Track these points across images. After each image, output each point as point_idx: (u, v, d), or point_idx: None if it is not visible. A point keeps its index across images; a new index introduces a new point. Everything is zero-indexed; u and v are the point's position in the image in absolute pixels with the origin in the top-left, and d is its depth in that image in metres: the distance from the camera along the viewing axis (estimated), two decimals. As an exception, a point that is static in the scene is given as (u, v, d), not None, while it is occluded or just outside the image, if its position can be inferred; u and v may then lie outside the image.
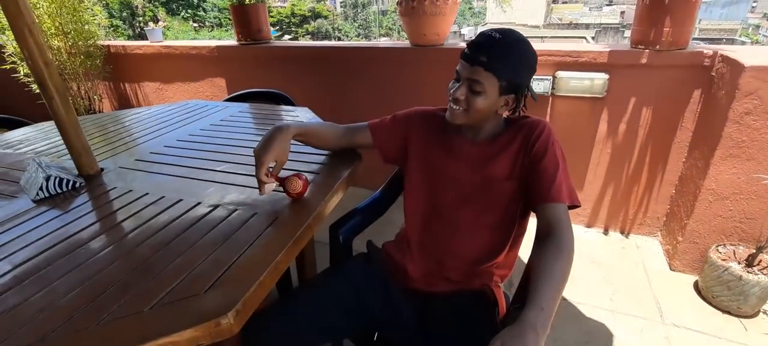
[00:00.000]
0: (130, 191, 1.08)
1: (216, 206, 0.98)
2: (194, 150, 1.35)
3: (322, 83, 2.53)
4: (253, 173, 0.98)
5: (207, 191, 1.05)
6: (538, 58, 0.99)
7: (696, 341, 1.56)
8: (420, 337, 1.02)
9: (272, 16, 25.10)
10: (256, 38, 2.65)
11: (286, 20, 26.53)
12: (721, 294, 1.65)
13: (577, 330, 1.62)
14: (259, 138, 1.03)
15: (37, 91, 1.11)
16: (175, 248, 0.83)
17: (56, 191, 1.08)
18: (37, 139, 1.53)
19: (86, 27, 2.97)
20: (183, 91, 2.98)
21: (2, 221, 0.97)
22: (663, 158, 1.95)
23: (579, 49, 1.89)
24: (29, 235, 0.91)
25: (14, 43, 2.82)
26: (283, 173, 1.02)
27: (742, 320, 1.63)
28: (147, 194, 1.05)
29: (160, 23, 3.19)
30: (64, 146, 1.15)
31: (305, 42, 2.87)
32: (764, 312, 1.66)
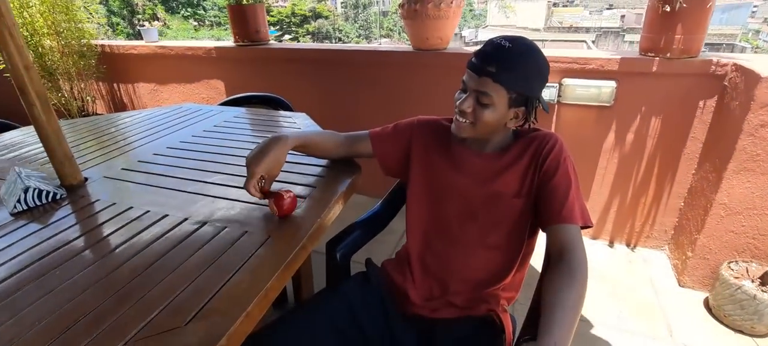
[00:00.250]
0: (114, 204, 1.01)
1: (204, 223, 0.91)
2: (185, 159, 1.28)
3: (321, 86, 2.46)
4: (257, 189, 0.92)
5: (195, 205, 0.99)
6: (545, 65, 0.93)
7: (708, 363, 1.50)
8: (421, 368, 0.95)
9: (272, 16, 25.05)
10: (253, 39, 2.59)
11: (287, 20, 26.47)
12: (733, 313, 1.58)
13: (584, 349, 1.56)
14: (254, 146, 0.97)
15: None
16: (156, 272, 0.76)
17: (35, 203, 1.01)
18: (23, 144, 1.46)
19: (80, 26, 2.90)
20: (178, 93, 2.92)
21: (-26, 236, 0.90)
22: (672, 169, 1.89)
23: (586, 56, 1.82)
24: (3, 253, 0.84)
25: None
26: (274, 186, 0.96)
27: (756, 339, 1.57)
28: (131, 207, 0.99)
29: (155, 23, 3.12)
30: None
31: (304, 44, 2.80)
32: (778, 332, 1.59)
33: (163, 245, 0.84)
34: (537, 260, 1.08)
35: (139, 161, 1.27)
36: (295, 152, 1.03)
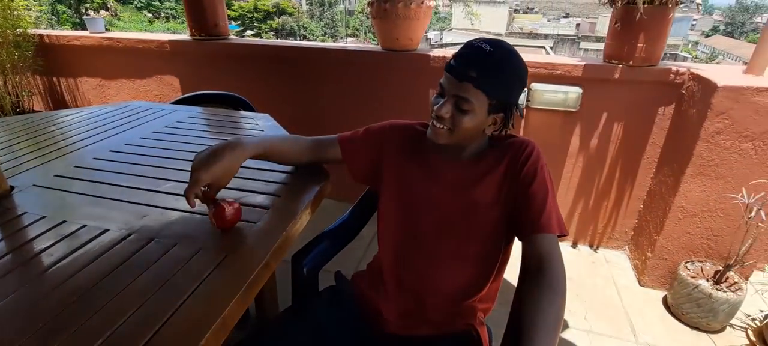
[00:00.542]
0: (44, 217, 0.88)
1: (151, 239, 0.80)
2: (130, 164, 1.15)
3: (284, 86, 2.35)
4: (199, 196, 0.82)
5: (142, 218, 0.87)
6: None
7: (669, 362, 1.55)
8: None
9: (233, 11, 24.21)
10: (212, 33, 2.43)
11: (249, 15, 25.70)
12: (690, 311, 1.65)
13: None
14: (205, 148, 0.87)
15: None
16: (94, 298, 0.66)
17: (-57, 217, 0.86)
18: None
19: (16, 13, 2.62)
20: (127, 90, 2.70)
21: None
22: (632, 173, 1.95)
23: (554, 62, 1.84)
24: None
25: None
26: (220, 193, 0.85)
27: (711, 335, 1.64)
28: (64, 221, 0.86)
29: (104, 13, 2.87)
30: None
31: (268, 40, 2.67)
32: (730, 326, 1.67)
33: (102, 267, 0.73)
34: (510, 268, 1.06)
35: (76, 167, 1.12)
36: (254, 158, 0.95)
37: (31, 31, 2.71)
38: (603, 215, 2.08)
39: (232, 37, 2.54)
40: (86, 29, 2.76)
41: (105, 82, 2.74)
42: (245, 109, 1.76)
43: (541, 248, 0.86)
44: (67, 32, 2.78)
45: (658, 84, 1.76)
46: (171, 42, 2.46)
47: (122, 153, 1.22)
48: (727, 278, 1.63)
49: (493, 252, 0.97)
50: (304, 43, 2.53)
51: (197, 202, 0.82)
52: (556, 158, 2.02)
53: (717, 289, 1.59)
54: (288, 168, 1.10)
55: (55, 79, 2.86)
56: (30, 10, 2.77)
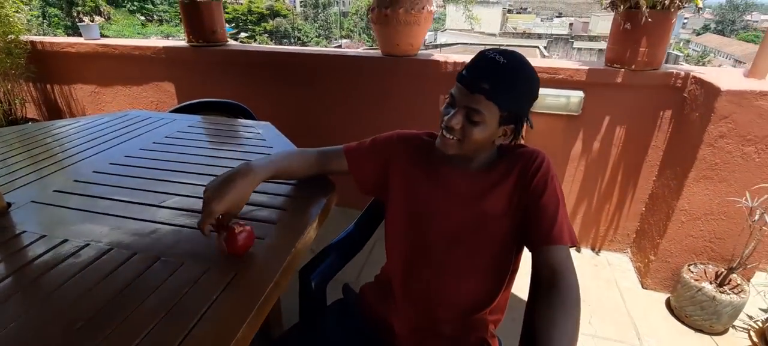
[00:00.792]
0: (44, 236, 0.85)
1: (157, 259, 0.78)
2: (132, 178, 1.12)
3: (284, 92, 2.33)
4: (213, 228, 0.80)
5: (146, 236, 0.85)
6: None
7: (675, 366, 1.54)
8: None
9: (228, 13, 24.13)
10: (209, 40, 2.41)
11: (243, 18, 25.61)
12: (694, 313, 1.65)
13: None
14: (215, 162, 0.85)
15: None
16: (101, 324, 0.63)
17: (-60, 237, 0.84)
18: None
19: (7, 19, 2.57)
20: (123, 97, 2.66)
21: None
22: (634, 176, 1.95)
23: (557, 66, 1.84)
24: None
25: None
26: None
27: (714, 338, 1.64)
28: (66, 240, 0.83)
29: (98, 18, 2.83)
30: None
31: (266, 46, 2.65)
32: (733, 328, 1.67)
33: (107, 289, 0.71)
34: (518, 277, 1.05)
35: (75, 181, 1.10)
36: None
37: (23, 37, 2.66)
38: (605, 217, 2.08)
39: (230, 43, 2.51)
40: (79, 34, 2.73)
41: (100, 90, 2.70)
42: (245, 117, 1.74)
43: (553, 260, 0.85)
44: (60, 39, 2.74)
45: (660, 88, 1.76)
46: (168, 48, 2.43)
47: (123, 166, 1.20)
48: (730, 280, 1.63)
49: (504, 263, 0.96)
50: (304, 48, 2.51)
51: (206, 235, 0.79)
52: (558, 162, 2.01)
53: (720, 292, 1.59)
54: (293, 181, 1.08)
55: (49, 86, 2.82)
56: (19, 13, 2.72)
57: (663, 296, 1.85)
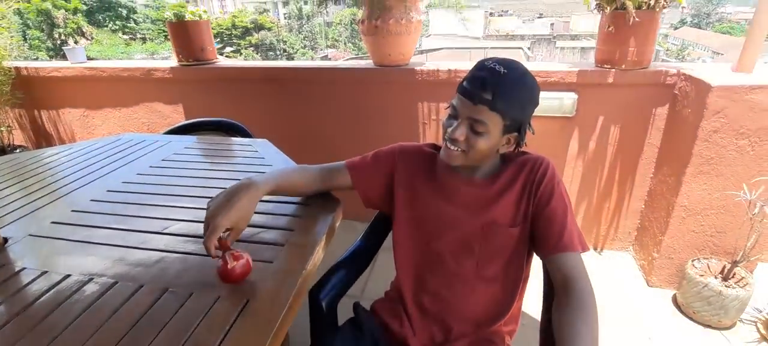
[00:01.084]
0: (46, 272, 0.82)
1: (165, 290, 0.76)
2: (131, 205, 1.10)
3: (278, 107, 2.31)
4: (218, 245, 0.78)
5: (152, 267, 0.83)
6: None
7: (685, 362, 1.55)
8: None
9: (211, 29, 24.00)
10: (199, 58, 2.38)
11: (227, 32, 25.53)
12: (702, 309, 1.66)
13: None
14: (216, 183, 0.83)
15: None
16: (109, 365, 0.61)
17: (-66, 279, 0.80)
18: None
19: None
20: (114, 120, 2.62)
21: None
22: (631, 174, 1.97)
23: (548, 69, 1.86)
24: None
25: None
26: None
27: (723, 332, 1.65)
28: (68, 275, 0.81)
29: (82, 40, 2.79)
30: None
31: (257, 62, 2.64)
32: (741, 321, 1.69)
33: (118, 326, 0.68)
34: (530, 284, 1.04)
35: (73, 211, 1.07)
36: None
37: (6, 63, 2.61)
38: (605, 217, 2.09)
39: (219, 59, 2.49)
40: (63, 56, 2.68)
41: (90, 113, 2.65)
42: (241, 135, 1.72)
43: (565, 267, 0.85)
44: (46, 63, 2.69)
45: (650, 86, 1.78)
46: (157, 69, 2.40)
47: (121, 192, 1.17)
48: (734, 273, 1.64)
49: (515, 272, 0.96)
50: (297, 63, 2.51)
51: (212, 255, 0.77)
52: (555, 164, 2.02)
53: (726, 286, 1.60)
54: (297, 199, 1.07)
55: (36, 111, 2.76)
56: (2, 37, 2.66)
57: (669, 293, 1.86)
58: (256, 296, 0.74)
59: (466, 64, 2.07)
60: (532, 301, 1.12)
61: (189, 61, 2.38)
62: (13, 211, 1.08)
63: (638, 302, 1.83)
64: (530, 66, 1.92)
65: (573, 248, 0.86)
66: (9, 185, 1.25)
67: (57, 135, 2.79)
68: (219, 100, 2.39)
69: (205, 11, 2.44)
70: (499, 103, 0.80)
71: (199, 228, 0.91)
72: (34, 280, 0.80)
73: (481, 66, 0.83)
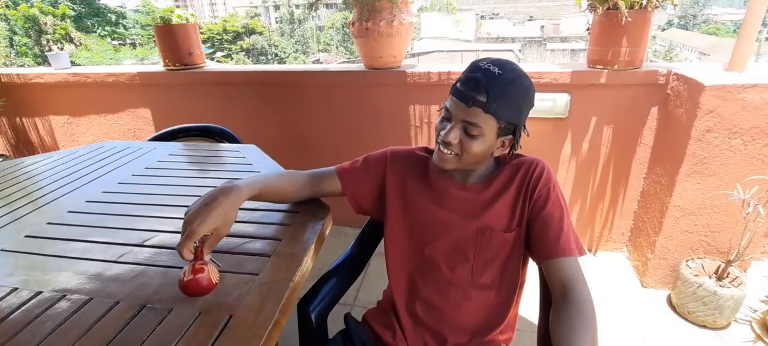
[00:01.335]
0: (16, 289, 0.77)
1: (143, 306, 0.72)
2: (111, 216, 1.05)
3: (267, 112, 2.27)
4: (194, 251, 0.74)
5: (130, 282, 0.78)
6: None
7: (682, 365, 1.53)
8: None
9: (202, 33, 23.87)
10: (186, 62, 2.33)
11: (218, 37, 25.42)
12: (696, 310, 1.64)
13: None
14: (200, 191, 0.79)
15: None
16: (80, 390, 0.57)
17: None
18: None
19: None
20: (99, 126, 2.56)
21: None
22: (625, 175, 1.96)
23: (541, 70, 1.84)
24: None
25: None
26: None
27: (718, 332, 1.64)
28: (40, 292, 0.76)
29: (67, 47, 2.73)
30: None
31: (246, 66, 2.60)
32: (735, 320, 1.68)
33: (94, 344, 0.64)
34: (525, 291, 1.02)
35: (49, 224, 1.02)
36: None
37: (-13, 71, 2.54)
38: (599, 218, 2.08)
39: (207, 63, 2.45)
40: (49, 63, 2.62)
41: (74, 119, 2.59)
42: (229, 141, 1.68)
43: (563, 273, 0.82)
44: (28, 70, 2.62)
45: (643, 86, 1.77)
46: (143, 74, 2.35)
47: (101, 203, 1.12)
48: (728, 273, 1.63)
49: (511, 278, 0.93)
50: (285, 66, 2.47)
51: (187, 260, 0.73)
52: (549, 165, 2.01)
53: (721, 285, 1.59)
54: (285, 206, 1.03)
55: (18, 119, 2.69)
56: None
57: (663, 294, 1.85)
58: (239, 310, 0.70)
59: (458, 67, 2.05)
60: (528, 307, 1.09)
61: (176, 65, 2.33)
62: (-15, 223, 1.02)
63: (633, 303, 1.82)
64: (524, 67, 1.91)
65: (570, 252, 0.84)
66: (-17, 196, 1.20)
67: (40, 143, 2.72)
68: (207, 105, 2.34)
69: (192, 15, 2.40)
70: (493, 105, 0.77)
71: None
72: (2, 298, 0.75)
73: (475, 67, 0.80)
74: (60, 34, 2.74)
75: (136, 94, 2.43)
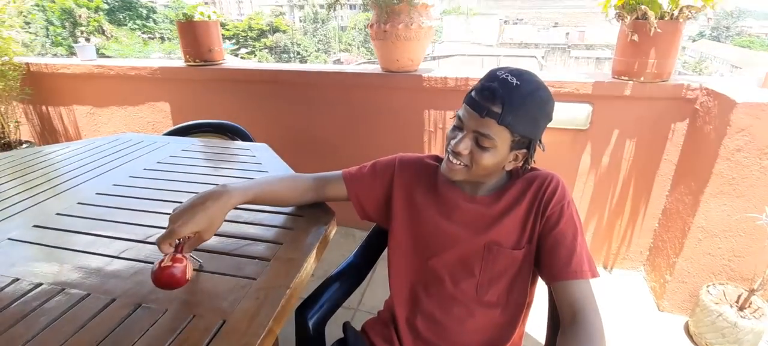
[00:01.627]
0: (17, 279, 0.78)
1: (139, 305, 0.71)
2: (118, 209, 1.06)
3: (282, 110, 2.27)
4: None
5: (128, 279, 0.78)
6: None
7: (699, 396, 1.45)
8: None
9: (228, 30, 24.37)
10: (206, 59, 2.36)
11: (243, 34, 25.87)
12: (715, 341, 1.55)
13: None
14: (207, 189, 0.78)
15: None
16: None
17: None
18: None
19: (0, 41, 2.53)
20: (119, 117, 2.61)
21: None
22: (646, 191, 1.88)
23: (562, 79, 1.78)
24: None
25: None
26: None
27: (736, 366, 1.55)
28: (41, 284, 0.76)
29: (101, 37, 2.80)
30: None
31: (263, 64, 2.61)
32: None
33: (79, 344, 0.63)
34: (533, 310, 0.98)
35: (57, 214, 1.03)
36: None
37: (18, 59, 2.62)
38: (617, 234, 2.00)
39: (226, 59, 2.47)
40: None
41: (96, 110, 2.65)
42: (242, 138, 1.68)
43: (573, 296, 0.78)
44: (56, 60, 2.70)
45: (670, 100, 1.70)
46: (164, 68, 2.39)
47: (110, 196, 1.13)
48: (750, 303, 1.54)
49: (518, 296, 0.89)
50: (301, 66, 2.47)
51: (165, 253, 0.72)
52: (566, 177, 1.91)
53: (742, 316, 1.50)
54: (289, 209, 1.01)
55: (44, 108, 2.78)
56: (12, 31, 2.67)
57: (681, 320, 1.76)
58: (233, 316, 0.69)
59: (475, 72, 2.01)
60: (536, 327, 1.05)
61: (196, 61, 2.36)
62: (-3, 211, 1.04)
63: (648, 327, 1.74)
64: (544, 75, 1.86)
65: (582, 275, 0.79)
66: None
67: (64, 132, 2.80)
68: (224, 101, 2.36)
69: (214, 12, 2.43)
70: (508, 117, 0.73)
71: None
72: (3, 288, 0.76)
73: (492, 76, 0.76)
74: (93, 26, 2.81)
75: (156, 87, 2.47)
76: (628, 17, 1.61)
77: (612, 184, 1.91)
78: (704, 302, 1.58)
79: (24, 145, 2.74)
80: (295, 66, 2.31)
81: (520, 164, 0.84)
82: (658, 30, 1.53)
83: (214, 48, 2.38)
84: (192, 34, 2.31)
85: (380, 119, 2.13)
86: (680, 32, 1.61)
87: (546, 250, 0.83)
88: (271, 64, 2.46)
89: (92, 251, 0.87)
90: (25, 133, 2.88)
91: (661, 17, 1.56)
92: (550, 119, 0.79)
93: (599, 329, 0.75)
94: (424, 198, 0.93)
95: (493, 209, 0.87)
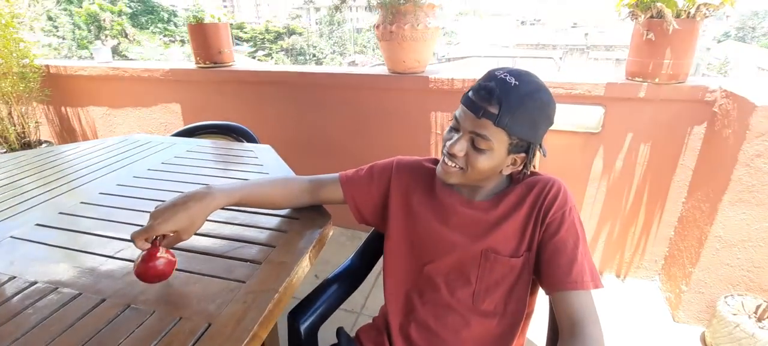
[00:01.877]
0: (14, 277, 0.79)
1: (127, 306, 0.71)
2: (119, 209, 1.07)
3: (290, 112, 2.28)
4: (188, 247, 0.73)
5: (119, 279, 0.78)
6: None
7: (714, 412, 1.38)
8: None
9: (246, 33, 24.75)
10: (216, 61, 2.39)
11: (260, 37, 26.23)
12: (733, 353, 1.48)
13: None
14: (173, 197, 0.78)
15: None
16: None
17: None
18: None
19: (21, 46, 2.62)
20: (133, 118, 2.67)
21: None
22: (661, 198, 1.81)
23: (573, 81, 1.73)
24: None
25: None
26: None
27: (756, 381, 1.47)
28: (36, 282, 0.77)
29: (124, 40, 2.87)
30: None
31: (272, 66, 2.63)
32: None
33: (67, 343, 0.63)
34: (533, 321, 0.94)
35: (60, 213, 1.05)
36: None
37: (38, 62, 2.71)
38: (630, 242, 1.93)
39: (237, 61, 2.49)
40: (115, 54, 2.76)
41: (112, 111, 2.71)
42: (247, 139, 1.69)
43: (573, 307, 0.75)
44: (74, 62, 2.78)
45: (687, 102, 1.63)
46: (176, 70, 2.43)
47: (113, 196, 1.15)
48: (772, 314, 1.47)
49: (517, 306, 0.86)
50: (309, 67, 2.47)
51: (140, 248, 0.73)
52: (577, 182, 1.89)
53: (760, 327, 1.43)
54: (285, 211, 1.01)
55: (63, 108, 2.86)
56: (51, 35, 2.76)
57: (697, 331, 1.69)
58: (219, 319, 0.68)
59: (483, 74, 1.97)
60: (537, 339, 1.01)
61: (206, 63, 2.39)
62: (1, 210, 1.07)
63: (662, 338, 1.67)
64: (555, 76, 1.81)
65: (583, 285, 0.76)
66: (4, 183, 1.25)
67: (81, 132, 2.87)
68: (233, 103, 2.38)
69: (225, 14, 2.45)
70: (505, 118, 0.71)
71: (184, 244, 0.86)
72: (1, 285, 0.77)
73: (490, 76, 0.73)
74: (117, 29, 2.88)
75: (168, 89, 2.51)
76: (642, 16, 1.56)
77: (625, 189, 1.85)
78: (721, 312, 1.51)
79: (43, 145, 2.82)
80: (302, 68, 2.32)
81: (520, 169, 0.81)
82: (677, 27, 1.46)
83: (224, 50, 2.40)
84: (202, 36, 2.34)
85: (387, 121, 2.11)
86: (697, 31, 1.54)
87: (546, 258, 0.80)
88: (278, 66, 2.48)
89: (89, 250, 0.88)
90: (46, 133, 2.97)
91: (678, 16, 1.50)
92: (551, 123, 0.76)
93: (599, 342, 0.71)
94: (421, 202, 0.91)
95: (490, 215, 0.84)
